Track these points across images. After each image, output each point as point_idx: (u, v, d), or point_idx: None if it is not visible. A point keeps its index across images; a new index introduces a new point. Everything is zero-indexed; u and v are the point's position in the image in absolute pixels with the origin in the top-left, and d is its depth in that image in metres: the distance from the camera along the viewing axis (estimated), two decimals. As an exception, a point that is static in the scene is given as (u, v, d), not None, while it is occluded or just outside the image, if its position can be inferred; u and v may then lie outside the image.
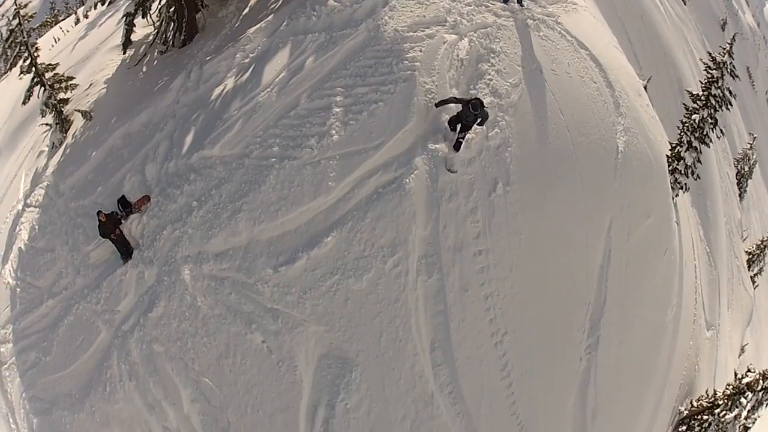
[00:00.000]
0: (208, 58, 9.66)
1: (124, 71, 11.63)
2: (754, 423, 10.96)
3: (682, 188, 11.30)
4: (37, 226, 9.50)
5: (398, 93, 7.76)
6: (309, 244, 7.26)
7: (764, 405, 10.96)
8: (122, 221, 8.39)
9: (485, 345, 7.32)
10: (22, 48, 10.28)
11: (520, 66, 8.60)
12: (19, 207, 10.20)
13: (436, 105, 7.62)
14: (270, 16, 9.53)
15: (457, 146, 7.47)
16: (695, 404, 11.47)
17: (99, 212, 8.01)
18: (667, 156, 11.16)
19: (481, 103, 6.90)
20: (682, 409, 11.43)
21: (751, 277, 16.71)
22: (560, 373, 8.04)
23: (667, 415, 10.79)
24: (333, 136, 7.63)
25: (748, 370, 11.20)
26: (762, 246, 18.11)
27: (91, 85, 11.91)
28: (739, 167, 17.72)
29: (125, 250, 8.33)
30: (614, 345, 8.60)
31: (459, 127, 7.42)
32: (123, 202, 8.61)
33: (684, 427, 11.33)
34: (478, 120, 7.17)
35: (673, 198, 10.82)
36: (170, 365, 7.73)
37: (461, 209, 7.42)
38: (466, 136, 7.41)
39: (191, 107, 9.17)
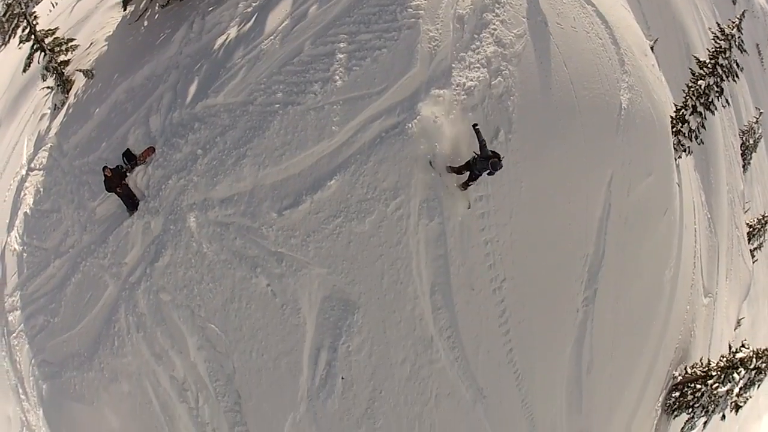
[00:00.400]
0: (210, 8, 9.58)
1: (125, 28, 11.53)
2: (745, 402, 11.09)
3: (685, 151, 11.28)
4: (41, 189, 9.56)
5: (402, 40, 7.73)
6: (313, 188, 7.33)
7: (756, 385, 11.06)
8: (127, 174, 8.45)
9: (484, 290, 7.45)
10: (20, 19, 10.14)
11: (525, 17, 8.52)
12: (23, 172, 10.22)
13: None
14: (273, -35, 9.41)
15: (464, 187, 7.26)
16: (689, 371, 11.64)
17: (104, 167, 8.07)
18: (671, 118, 11.11)
19: (500, 158, 6.61)
20: (677, 374, 11.62)
21: (750, 251, 16.79)
22: (557, 324, 8.18)
23: (662, 378, 10.99)
24: (336, 82, 7.63)
25: (743, 345, 11.30)
26: (763, 221, 18.11)
27: (91, 44, 11.82)
28: (744, 139, 17.63)
29: (131, 203, 8.41)
30: (611, 300, 8.72)
31: (468, 173, 7.05)
32: (128, 155, 8.65)
33: (677, 393, 11.52)
34: (488, 171, 6.76)
35: (675, 159, 10.82)
36: (177, 313, 7.89)
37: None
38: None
39: (194, 58, 9.14)
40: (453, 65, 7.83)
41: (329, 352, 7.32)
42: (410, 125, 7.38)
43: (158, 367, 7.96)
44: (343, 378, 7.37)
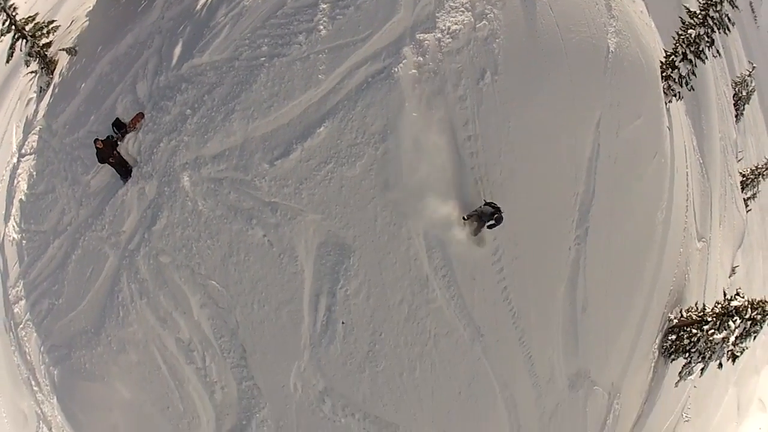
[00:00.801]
0: (191, -30, 9.49)
1: (105, 1, 11.42)
2: (742, 352, 11.26)
3: (675, 96, 11.28)
4: (35, 172, 9.56)
5: (385, -14, 7.70)
6: (302, 136, 7.39)
7: (752, 336, 11.20)
8: (119, 143, 8.48)
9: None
10: (-1, 13, 9.95)
11: (508, -40, 8.44)
12: (14, 160, 10.18)
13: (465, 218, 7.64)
14: None
15: (476, 233, 7.69)
16: (685, 315, 11.84)
17: (96, 139, 8.10)
18: (661, 63, 11.09)
19: (500, 210, 7.32)
20: (672, 316, 11.83)
21: (744, 200, 16.91)
22: (550, 261, 8.34)
23: (657, 319, 11.20)
24: (321, 31, 7.62)
25: (737, 294, 11.44)
26: (757, 172, 18.20)
27: (72, 21, 11.71)
28: (737, 90, 17.59)
29: (124, 171, 8.47)
30: (603, 239, 8.86)
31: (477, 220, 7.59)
32: (117, 124, 8.67)
33: (673, 336, 11.74)
34: (492, 222, 7.40)
35: (666, 104, 10.84)
36: (178, 274, 8.02)
37: (450, 96, 7.49)
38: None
39: (177, 20, 9.09)
40: (437, 9, 7.81)
41: (328, 298, 7.48)
42: (396, 69, 7.41)
43: (164, 331, 8.12)
44: (343, 322, 7.55)
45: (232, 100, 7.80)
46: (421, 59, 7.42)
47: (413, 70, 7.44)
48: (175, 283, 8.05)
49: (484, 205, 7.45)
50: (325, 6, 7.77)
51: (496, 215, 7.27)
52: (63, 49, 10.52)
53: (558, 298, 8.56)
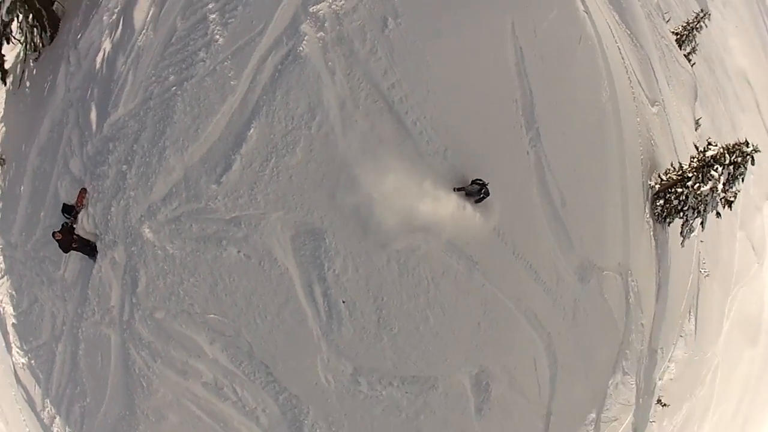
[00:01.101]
0: (78, 36, 9.47)
1: (12, 99, 11.29)
2: (735, 197, 11.40)
3: (579, -20, 11.35)
4: (14, 291, 9.51)
5: (261, -25, 7.71)
6: (237, 144, 7.44)
7: (740, 179, 11.34)
8: (74, 226, 8.46)
9: (432, 163, 7.68)
10: None
11: None
12: None
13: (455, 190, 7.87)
14: (116, -34, 9.23)
15: (479, 201, 7.96)
16: (664, 178, 12.04)
17: (53, 233, 8.09)
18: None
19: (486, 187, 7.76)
20: (652, 183, 12.02)
21: (685, 56, 17.11)
22: (513, 172, 8.47)
23: (638, 190, 11.37)
24: (218, 41, 7.65)
25: (709, 144, 11.61)
26: (689, 27, 18.40)
27: (-11, 134, 11.57)
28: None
29: (90, 250, 8.47)
30: (556, 133, 8.99)
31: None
32: (66, 209, 8.66)
33: (661, 201, 11.91)
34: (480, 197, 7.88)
35: (573, -10, 10.90)
36: (177, 323, 8.07)
37: (360, 53, 7.55)
38: None
39: (83, 87, 9.06)
40: (320, -21, 7.83)
41: (320, 284, 7.57)
42: (301, 48, 7.45)
43: (188, 381, 8.20)
44: (344, 301, 7.65)
45: (159, 138, 7.82)
46: (322, 32, 7.46)
47: (318, 43, 7.48)
48: (179, 331, 8.11)
49: (471, 183, 7.69)
50: (214, 16, 7.79)
51: (483, 191, 7.60)
52: (-9, 165, 10.43)
53: (535, 202, 8.69)
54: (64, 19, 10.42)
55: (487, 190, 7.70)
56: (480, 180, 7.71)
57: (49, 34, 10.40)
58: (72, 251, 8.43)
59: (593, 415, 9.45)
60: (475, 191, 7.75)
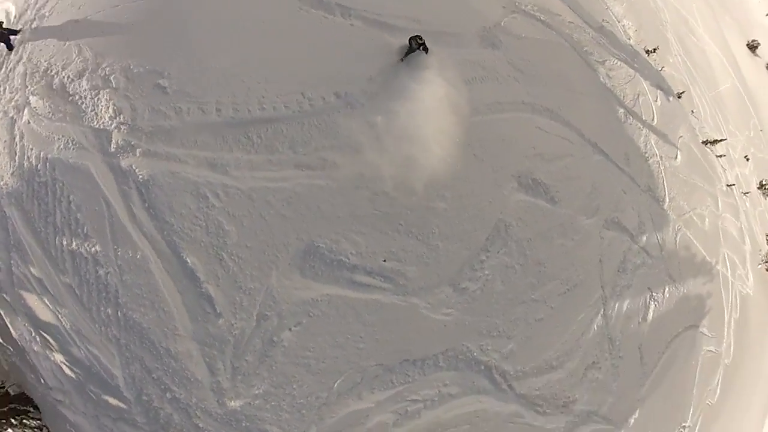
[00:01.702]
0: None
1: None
2: None
3: None
4: None
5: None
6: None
7: None
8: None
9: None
10: None
11: None
12: None
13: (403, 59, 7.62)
14: None
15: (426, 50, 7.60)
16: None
17: None
18: None
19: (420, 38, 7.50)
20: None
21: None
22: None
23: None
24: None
25: None
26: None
27: None
28: None
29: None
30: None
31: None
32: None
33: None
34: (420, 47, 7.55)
35: None
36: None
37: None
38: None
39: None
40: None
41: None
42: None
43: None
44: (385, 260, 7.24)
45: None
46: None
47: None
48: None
49: (410, 39, 7.36)
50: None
51: (422, 46, 7.30)
52: None
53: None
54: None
55: (426, 47, 7.32)
56: (418, 37, 7.31)
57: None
58: None
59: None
60: (415, 48, 7.33)
